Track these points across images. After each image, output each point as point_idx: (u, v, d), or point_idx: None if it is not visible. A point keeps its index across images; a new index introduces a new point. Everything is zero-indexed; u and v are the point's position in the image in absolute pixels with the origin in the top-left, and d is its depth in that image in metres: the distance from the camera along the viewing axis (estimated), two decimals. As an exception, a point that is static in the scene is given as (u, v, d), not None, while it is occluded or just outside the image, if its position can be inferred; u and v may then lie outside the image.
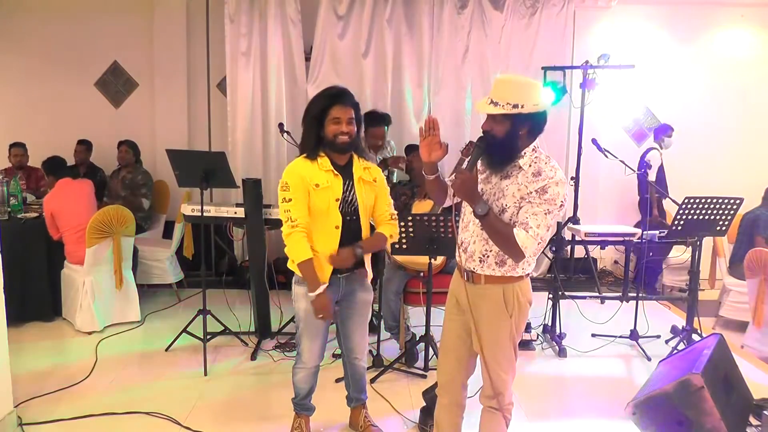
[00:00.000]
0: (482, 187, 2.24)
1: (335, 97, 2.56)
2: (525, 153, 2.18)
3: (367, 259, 2.73)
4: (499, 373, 2.29)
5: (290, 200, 2.54)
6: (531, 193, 2.12)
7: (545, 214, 2.10)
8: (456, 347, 2.40)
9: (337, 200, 2.57)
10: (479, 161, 2.20)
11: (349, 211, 2.62)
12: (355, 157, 2.69)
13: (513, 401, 2.38)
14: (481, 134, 2.20)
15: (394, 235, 2.75)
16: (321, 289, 2.53)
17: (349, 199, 2.62)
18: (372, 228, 2.74)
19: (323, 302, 2.54)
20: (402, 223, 3.41)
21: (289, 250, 2.56)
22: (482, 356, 2.29)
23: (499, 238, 2.13)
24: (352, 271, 2.69)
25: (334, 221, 2.57)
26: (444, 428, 2.49)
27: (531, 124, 2.15)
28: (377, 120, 4.52)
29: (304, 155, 2.60)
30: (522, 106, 2.08)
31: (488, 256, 2.22)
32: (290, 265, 2.67)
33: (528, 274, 2.29)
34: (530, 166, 2.16)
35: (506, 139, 2.14)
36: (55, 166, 4.67)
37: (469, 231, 2.28)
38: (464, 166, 2.15)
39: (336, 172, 2.59)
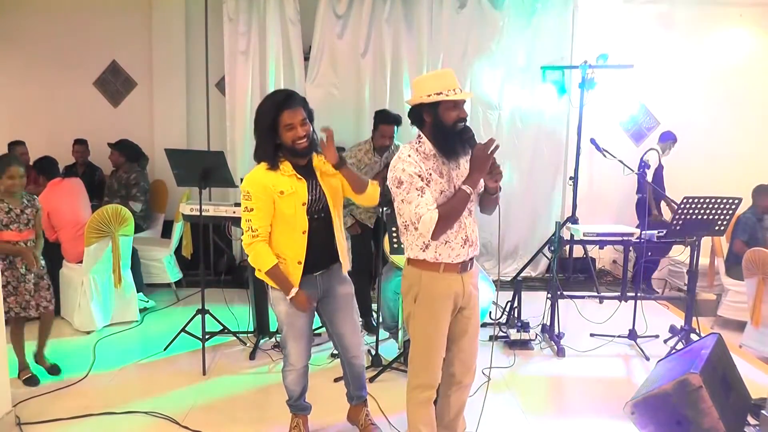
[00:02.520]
0: (456, 173, 2.37)
1: (282, 104, 2.50)
2: None
3: (344, 251, 2.73)
4: (476, 346, 2.55)
5: (252, 210, 2.52)
6: None
7: None
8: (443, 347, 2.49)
9: (303, 204, 2.56)
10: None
11: (318, 209, 2.61)
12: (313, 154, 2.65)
13: None
14: (462, 124, 2.30)
15: (376, 188, 2.73)
16: (294, 291, 2.56)
17: (317, 197, 2.61)
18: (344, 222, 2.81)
19: (302, 300, 2.57)
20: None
21: (253, 260, 2.58)
22: (473, 332, 2.50)
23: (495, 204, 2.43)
24: (326, 268, 2.67)
25: (301, 226, 2.56)
26: (431, 425, 2.55)
27: None
28: (389, 119, 4.51)
29: (266, 165, 2.54)
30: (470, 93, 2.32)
31: (478, 238, 2.46)
32: (258, 275, 2.65)
33: None
34: None
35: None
36: (47, 166, 4.66)
37: (468, 225, 2.38)
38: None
39: (299, 176, 2.56)
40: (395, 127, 4.51)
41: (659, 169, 5.85)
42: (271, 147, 2.53)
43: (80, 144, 5.88)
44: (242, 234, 2.59)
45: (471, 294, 2.45)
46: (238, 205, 4.09)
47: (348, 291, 2.79)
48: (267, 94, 5.78)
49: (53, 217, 4.38)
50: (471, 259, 2.41)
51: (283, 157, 2.55)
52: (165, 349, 4.08)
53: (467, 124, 2.32)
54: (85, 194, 4.68)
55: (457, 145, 2.29)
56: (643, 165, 5.75)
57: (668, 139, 5.99)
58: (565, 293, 4.33)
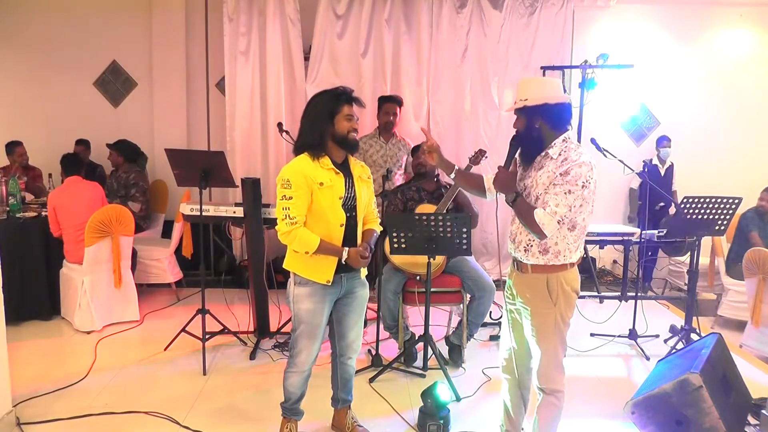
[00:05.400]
0: (524, 183, 2.39)
1: (350, 96, 2.61)
2: (555, 144, 2.32)
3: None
4: (546, 358, 2.40)
5: (291, 198, 2.51)
6: (557, 176, 2.25)
7: (565, 194, 2.23)
8: (516, 330, 2.53)
9: (340, 198, 2.58)
10: (517, 157, 2.42)
11: (349, 208, 2.63)
12: (349, 156, 2.71)
13: (563, 389, 2.45)
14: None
15: (378, 229, 2.84)
16: (347, 251, 2.57)
17: (351, 196, 2.63)
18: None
19: (355, 256, 2.58)
20: (401, 224, 3.41)
21: (297, 245, 2.54)
22: (531, 342, 2.43)
23: (524, 219, 2.29)
24: (357, 271, 2.69)
25: (339, 219, 2.58)
26: (510, 407, 2.63)
27: (543, 116, 2.30)
28: (390, 98, 5.02)
29: (307, 153, 2.58)
30: (526, 100, 2.28)
31: (532, 246, 2.35)
32: (287, 265, 2.66)
33: (573, 264, 2.38)
34: (560, 154, 2.30)
35: (526, 132, 2.34)
36: (67, 163, 4.63)
37: (517, 222, 2.41)
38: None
39: (337, 170, 2.59)
40: (397, 107, 4.96)
41: (658, 175, 5.86)
42: (321, 135, 2.56)
43: (80, 145, 5.88)
44: (277, 223, 2.57)
45: (519, 292, 2.45)
46: (238, 205, 4.10)
47: (365, 295, 2.82)
48: (263, 92, 5.82)
49: (59, 214, 4.39)
50: (518, 261, 2.43)
51: (324, 151, 2.58)
52: (165, 349, 4.08)
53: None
54: (97, 201, 4.58)
55: None
56: (645, 171, 5.75)
57: (659, 144, 6.02)
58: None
